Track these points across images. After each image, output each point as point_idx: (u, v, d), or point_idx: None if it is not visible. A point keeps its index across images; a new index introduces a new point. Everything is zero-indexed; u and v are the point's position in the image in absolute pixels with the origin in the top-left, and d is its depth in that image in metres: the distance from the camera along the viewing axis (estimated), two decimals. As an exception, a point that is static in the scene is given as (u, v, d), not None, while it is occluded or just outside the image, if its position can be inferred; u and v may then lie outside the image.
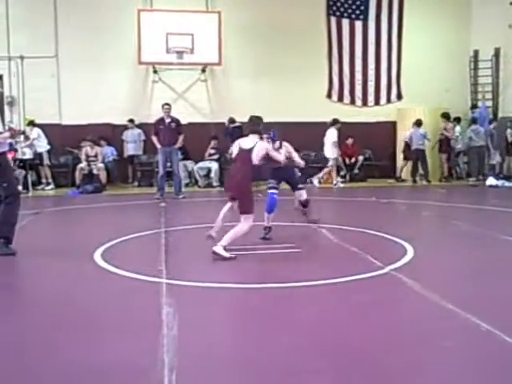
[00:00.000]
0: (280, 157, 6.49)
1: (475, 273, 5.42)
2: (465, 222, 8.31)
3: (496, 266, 5.65)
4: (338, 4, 15.35)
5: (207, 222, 8.03)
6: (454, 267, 5.64)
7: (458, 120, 14.78)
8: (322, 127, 14.89)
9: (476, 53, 15.67)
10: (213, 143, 13.96)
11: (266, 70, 14.53)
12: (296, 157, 7.16)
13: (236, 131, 13.31)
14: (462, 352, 3.43)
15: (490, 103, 15.39)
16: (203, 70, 14.45)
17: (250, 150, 5.93)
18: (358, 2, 15.42)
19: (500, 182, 13.17)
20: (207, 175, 13.71)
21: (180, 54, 13.71)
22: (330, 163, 13.62)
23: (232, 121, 13.44)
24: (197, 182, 13.81)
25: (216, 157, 13.82)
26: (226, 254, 5.77)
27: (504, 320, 3.86)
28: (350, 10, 15.43)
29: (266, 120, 14.04)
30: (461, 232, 7.54)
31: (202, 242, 6.77)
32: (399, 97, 15.74)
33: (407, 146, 14.21)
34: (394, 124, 15.32)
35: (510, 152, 14.13)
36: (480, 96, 15.65)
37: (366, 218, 8.46)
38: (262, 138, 6.24)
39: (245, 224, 5.90)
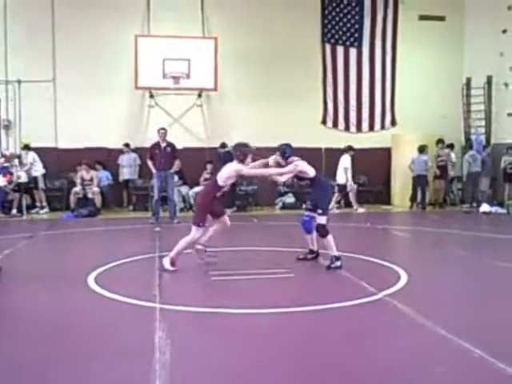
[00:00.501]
0: (258, 172, 6.72)
1: (468, 299, 5.42)
2: (459, 247, 8.34)
3: (489, 292, 5.67)
4: (333, 31, 15.59)
5: (201, 247, 8.04)
6: (447, 293, 5.65)
7: (451, 146, 14.91)
8: (317, 153, 15.04)
9: (469, 80, 15.89)
10: (208, 168, 14.01)
11: (262, 96, 14.68)
12: (288, 170, 6.57)
13: (226, 156, 13.37)
14: (455, 378, 3.43)
15: (482, 130, 15.55)
16: (199, 95, 14.58)
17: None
18: (352, 30, 15.67)
19: (494, 209, 13.24)
20: (202, 200, 13.71)
21: (176, 79, 13.84)
22: (350, 188, 13.65)
23: (223, 146, 13.52)
24: (191, 206, 13.80)
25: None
26: (169, 267, 6.33)
27: (496, 346, 3.87)
28: (344, 38, 15.67)
29: (260, 145, 14.17)
30: (455, 258, 7.56)
31: (196, 266, 6.79)
32: (393, 123, 15.89)
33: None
34: (388, 150, 15.44)
35: (505, 179, 14.15)
36: (473, 123, 15.81)
37: (361, 244, 8.48)
38: (242, 162, 6.46)
39: (191, 234, 6.43)
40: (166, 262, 6.39)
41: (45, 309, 5.00)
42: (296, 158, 6.67)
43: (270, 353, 3.85)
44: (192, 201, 13.69)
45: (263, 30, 14.73)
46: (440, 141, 14.54)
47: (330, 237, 6.51)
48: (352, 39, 15.72)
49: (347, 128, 15.67)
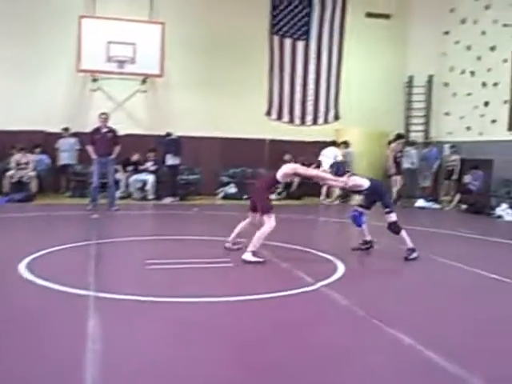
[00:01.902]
0: (313, 173, 7.10)
1: (401, 290, 5.56)
2: (394, 240, 8.50)
3: (421, 284, 5.84)
4: (282, 23, 15.59)
5: (140, 235, 7.95)
6: (381, 284, 5.77)
7: (389, 143, 15.17)
8: (261, 144, 15.13)
9: (411, 78, 16.28)
10: (151, 156, 13.79)
11: (208, 85, 14.55)
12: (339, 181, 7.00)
13: (171, 143, 13.25)
14: (387, 367, 3.50)
15: (422, 127, 15.98)
16: (144, 81, 14.32)
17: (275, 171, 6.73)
18: (300, 23, 15.72)
19: (428, 204, 13.64)
20: (142, 188, 13.50)
21: (121, 63, 13.55)
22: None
23: (168, 134, 13.40)
24: (130, 194, 13.55)
25: (153, 169, 13.64)
26: (255, 259, 6.28)
27: (426, 335, 3.99)
28: (292, 30, 15.70)
29: (202, 134, 14.07)
30: (390, 250, 7.72)
31: (133, 254, 6.69)
32: (336, 117, 16.06)
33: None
34: (333, 144, 15.56)
35: (447, 176, 14.55)
36: (413, 120, 16.22)
37: (300, 235, 8.54)
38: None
39: (267, 224, 6.39)
40: (250, 257, 6.30)
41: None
42: (349, 174, 7.01)
43: (205, 342, 3.82)
44: (132, 188, 13.44)
45: (212, 18, 14.59)
46: (400, 136, 14.52)
47: (403, 232, 6.90)
48: (300, 32, 15.76)
49: (291, 120, 15.73)
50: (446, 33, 15.39)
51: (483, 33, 14.09)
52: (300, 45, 15.76)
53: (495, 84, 13.63)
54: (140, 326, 4.12)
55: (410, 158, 14.45)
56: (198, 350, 3.64)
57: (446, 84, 15.44)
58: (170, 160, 13.18)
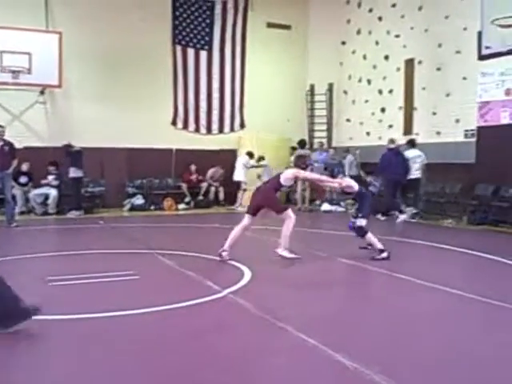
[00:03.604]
0: (312, 176, 8.04)
1: (306, 293, 5.70)
2: (299, 244, 8.71)
3: (325, 285, 6.02)
4: (184, 33, 15.60)
5: (41, 251, 7.63)
6: (287, 288, 5.88)
7: (294, 149, 15.54)
8: (168, 154, 15.02)
9: (312, 87, 16.80)
10: (51, 169, 13.27)
11: (110, 95, 14.25)
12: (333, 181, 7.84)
13: (75, 155, 12.85)
14: (290, 367, 3.59)
15: (325, 133, 16.52)
16: (42, 92, 13.78)
17: (279, 175, 7.26)
18: (202, 33, 15.81)
19: (333, 208, 14.11)
20: (44, 202, 12.96)
21: (16, 73, 12.97)
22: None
23: (70, 146, 12.93)
24: (32, 209, 12.98)
25: (55, 183, 13.13)
26: (291, 255, 6.89)
27: (328, 336, 4.12)
28: (195, 40, 15.75)
29: (106, 145, 13.74)
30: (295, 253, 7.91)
31: (34, 272, 6.41)
32: (242, 125, 16.28)
33: None
34: (234, 152, 15.75)
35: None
36: (316, 127, 16.74)
37: (206, 244, 8.50)
38: (302, 169, 7.44)
39: (289, 219, 6.98)
40: (286, 254, 6.88)
41: None
42: (341, 176, 8.03)
43: (114, 356, 3.74)
44: (33, 203, 12.88)
45: (111, 28, 14.27)
46: (302, 142, 14.80)
47: (369, 235, 7.43)
48: (202, 42, 15.85)
49: (197, 129, 15.76)
50: (343, 43, 16.04)
51: (377, 43, 14.82)
52: (203, 54, 15.86)
53: (390, 91, 14.35)
54: (41, 346, 3.96)
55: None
56: (103, 367, 3.55)
57: (346, 92, 16.07)
58: (73, 173, 12.77)
